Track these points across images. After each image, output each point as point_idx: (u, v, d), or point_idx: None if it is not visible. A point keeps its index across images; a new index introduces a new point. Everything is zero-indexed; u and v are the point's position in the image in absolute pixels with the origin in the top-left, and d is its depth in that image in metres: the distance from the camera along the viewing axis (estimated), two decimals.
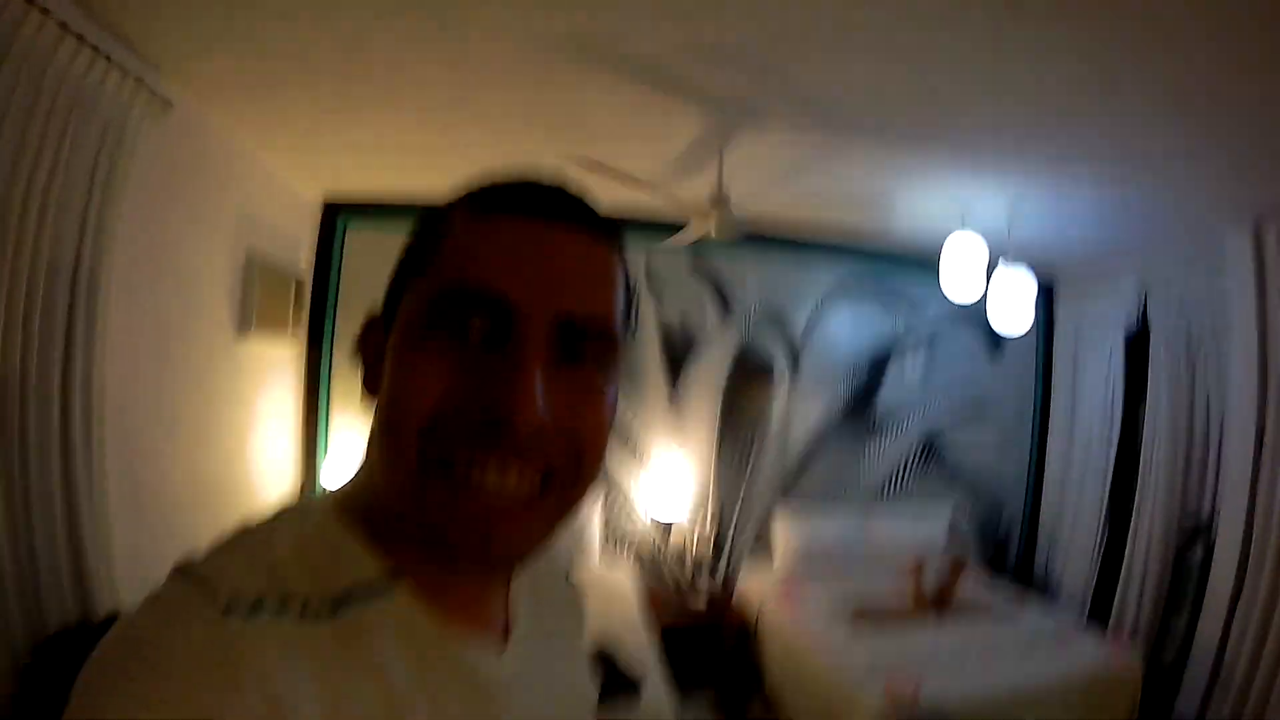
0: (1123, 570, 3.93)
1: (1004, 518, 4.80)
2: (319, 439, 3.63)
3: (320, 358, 3.63)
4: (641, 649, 2.89)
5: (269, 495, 3.21)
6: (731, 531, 4.27)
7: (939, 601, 3.50)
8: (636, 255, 3.85)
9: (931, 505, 4.59)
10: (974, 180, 3.07)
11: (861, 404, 4.56)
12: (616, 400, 0.56)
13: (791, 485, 4.42)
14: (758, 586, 4.01)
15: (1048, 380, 4.89)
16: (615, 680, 2.49)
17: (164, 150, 2.25)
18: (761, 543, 4.26)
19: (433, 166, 3.02)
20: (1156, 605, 3.73)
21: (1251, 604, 2.96)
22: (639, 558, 4.09)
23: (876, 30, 1.86)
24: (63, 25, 1.71)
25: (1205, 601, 3.22)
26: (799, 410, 4.43)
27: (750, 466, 4.31)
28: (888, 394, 4.60)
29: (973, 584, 3.89)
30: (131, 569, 2.04)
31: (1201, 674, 3.14)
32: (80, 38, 1.77)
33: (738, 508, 4.28)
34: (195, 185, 2.56)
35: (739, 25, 1.89)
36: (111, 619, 1.63)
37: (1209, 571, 3.27)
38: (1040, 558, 4.71)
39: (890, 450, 4.62)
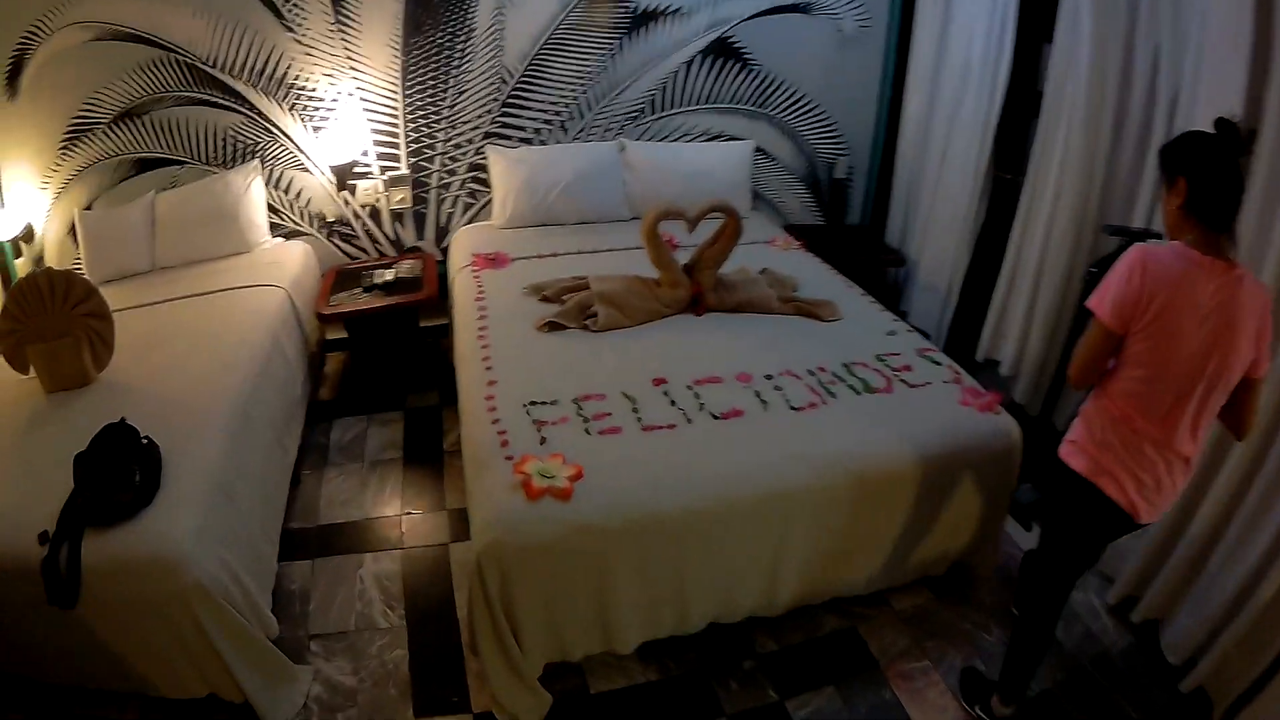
0: (1000, 277, 2.77)
1: (840, 158, 3.51)
2: None
3: None
4: (213, 415, 1.92)
5: None
6: (439, 176, 3.24)
7: (696, 280, 2.31)
8: None
9: (725, 128, 3.42)
10: None
11: None
12: None
13: (512, 105, 3.18)
14: (466, 247, 2.98)
15: None
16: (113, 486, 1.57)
17: None
18: (485, 187, 3.30)
19: None
20: (1051, 340, 2.58)
21: None
22: (326, 224, 3.23)
23: None
24: None
25: None
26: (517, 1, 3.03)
27: (453, 86, 3.10)
28: None
29: (774, 255, 2.83)
30: None
31: None
32: None
33: (441, 143, 3.19)
34: None
35: None
36: None
37: None
38: (893, 225, 3.51)
39: (663, 50, 3.21)
